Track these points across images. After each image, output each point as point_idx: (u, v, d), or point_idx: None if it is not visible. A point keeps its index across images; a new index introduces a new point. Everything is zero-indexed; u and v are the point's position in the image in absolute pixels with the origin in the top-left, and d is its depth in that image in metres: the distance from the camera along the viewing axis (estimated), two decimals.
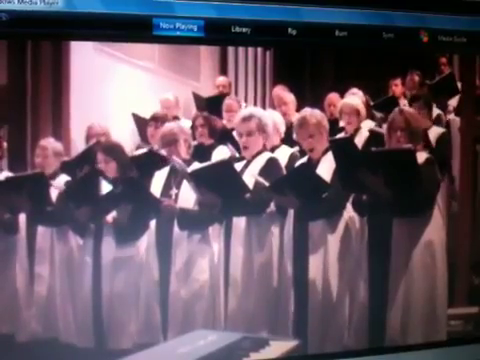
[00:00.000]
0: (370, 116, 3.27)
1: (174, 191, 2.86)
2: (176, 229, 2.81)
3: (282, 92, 3.30)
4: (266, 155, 2.92)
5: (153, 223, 2.81)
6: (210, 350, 2.47)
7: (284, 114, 3.21)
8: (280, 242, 2.86)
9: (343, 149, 2.79)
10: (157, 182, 2.90)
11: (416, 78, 3.50)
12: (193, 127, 3.16)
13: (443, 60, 3.42)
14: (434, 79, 3.47)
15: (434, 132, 3.20)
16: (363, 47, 2.72)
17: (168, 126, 2.95)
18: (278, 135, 3.11)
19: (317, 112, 2.92)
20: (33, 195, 2.65)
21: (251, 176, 2.82)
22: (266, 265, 2.84)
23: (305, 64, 3.26)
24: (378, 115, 3.29)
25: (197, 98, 3.34)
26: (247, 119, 2.89)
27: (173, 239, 2.81)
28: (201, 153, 3.00)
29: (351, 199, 2.81)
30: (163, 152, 2.92)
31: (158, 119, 3.08)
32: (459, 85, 3.30)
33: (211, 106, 3.26)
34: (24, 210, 2.68)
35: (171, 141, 2.89)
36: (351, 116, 3.18)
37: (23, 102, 2.81)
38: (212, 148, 3.13)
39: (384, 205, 2.72)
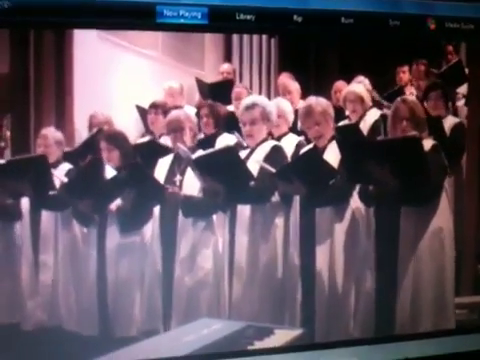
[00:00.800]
0: (376, 104, 3.24)
1: (178, 178, 2.85)
2: (181, 217, 2.80)
3: (287, 80, 3.28)
4: (270, 143, 2.90)
5: (157, 210, 2.81)
6: (214, 338, 2.47)
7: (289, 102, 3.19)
8: (285, 230, 2.85)
9: (348, 137, 2.77)
10: (161, 169, 2.89)
11: (422, 67, 3.47)
12: (198, 116, 3.14)
13: (450, 48, 3.38)
14: (441, 67, 3.44)
15: (449, 121, 3.18)
16: (369, 35, 2.69)
17: (174, 113, 2.94)
18: (286, 124, 3.09)
19: (322, 100, 2.89)
20: (36, 179, 2.65)
21: (256, 163, 2.80)
22: (271, 253, 2.83)
23: (310, 52, 3.24)
24: (385, 103, 3.26)
25: (200, 84, 3.32)
26: (250, 107, 2.87)
27: (178, 227, 2.80)
28: (206, 141, 2.99)
29: (357, 190, 2.80)
30: (166, 140, 2.92)
31: (158, 106, 3.08)
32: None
33: (215, 92, 3.24)
34: (27, 195, 2.68)
35: (177, 128, 2.88)
36: (355, 104, 3.16)
37: (26, 91, 2.81)
38: (216, 136, 3.12)
39: (390, 194, 2.70)
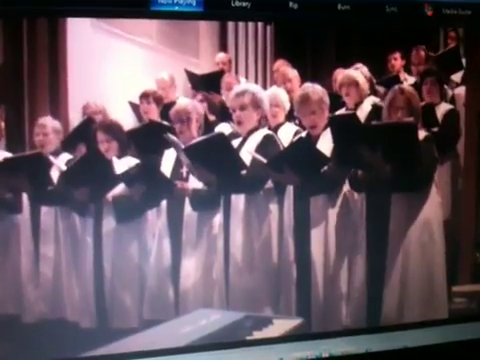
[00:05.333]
0: (373, 92, 3.22)
1: (185, 170, 2.84)
2: (185, 209, 2.80)
3: (286, 68, 3.25)
4: (262, 132, 2.89)
5: (160, 203, 2.80)
6: (213, 329, 2.49)
7: (288, 91, 3.16)
8: (280, 219, 2.85)
9: (344, 125, 2.77)
10: (167, 162, 2.87)
11: (422, 52, 3.45)
12: None
13: (450, 34, 3.35)
14: (438, 52, 3.41)
15: (442, 108, 3.17)
16: (366, 21, 2.67)
17: (182, 103, 2.92)
18: (283, 113, 3.07)
19: (318, 88, 2.89)
20: (34, 175, 2.62)
21: (248, 153, 2.79)
22: (267, 242, 2.83)
23: (307, 39, 3.21)
24: (381, 90, 3.25)
25: (191, 76, 3.29)
26: (241, 94, 2.86)
27: (181, 218, 2.80)
28: (205, 132, 2.96)
29: (349, 178, 2.80)
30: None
31: (149, 95, 3.05)
32: (464, 59, 3.24)
33: (207, 84, 3.21)
34: (26, 191, 2.66)
35: (184, 119, 2.87)
36: (349, 87, 3.14)
37: (20, 81, 2.77)
38: (214, 125, 3.10)
39: (382, 179, 2.71)
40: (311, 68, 3.27)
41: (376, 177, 2.72)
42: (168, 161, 2.87)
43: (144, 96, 3.07)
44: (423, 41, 3.38)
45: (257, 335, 2.52)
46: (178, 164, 2.85)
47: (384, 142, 2.65)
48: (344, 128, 2.75)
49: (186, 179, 2.82)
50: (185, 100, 2.98)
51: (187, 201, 2.80)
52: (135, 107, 3.12)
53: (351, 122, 2.79)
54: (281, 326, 2.58)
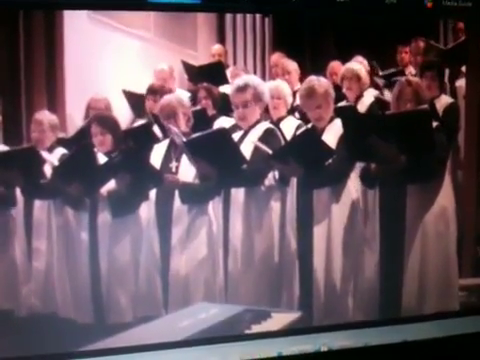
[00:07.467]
0: (374, 84, 3.21)
1: (174, 164, 2.83)
2: (176, 202, 2.78)
3: (285, 60, 3.23)
4: (263, 125, 2.88)
5: (153, 196, 2.78)
6: (212, 323, 2.49)
7: (288, 82, 3.14)
8: (282, 212, 2.84)
9: (350, 116, 2.76)
10: (157, 155, 2.85)
11: (421, 44, 3.43)
12: (194, 100, 3.09)
13: (459, 27, 3.33)
14: (444, 45, 3.39)
15: (443, 101, 3.15)
16: (365, 13, 2.66)
17: (166, 99, 2.90)
18: (285, 106, 3.05)
19: (323, 80, 2.87)
20: (27, 169, 2.61)
21: (251, 143, 2.78)
22: (268, 235, 2.82)
23: (306, 31, 3.19)
24: (381, 83, 3.23)
25: (188, 67, 3.26)
26: (242, 89, 2.84)
27: (172, 211, 2.78)
28: (204, 125, 2.94)
29: (359, 173, 2.78)
30: (158, 126, 2.89)
31: (156, 92, 3.02)
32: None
33: (204, 75, 3.18)
34: (19, 185, 2.64)
35: (170, 114, 2.85)
36: (351, 81, 3.12)
37: (16, 74, 2.75)
38: (214, 119, 3.08)
39: (396, 171, 2.69)
40: (310, 61, 3.25)
41: (390, 168, 2.70)
42: (157, 156, 2.84)
43: (152, 92, 3.02)
44: (424, 33, 3.36)
45: (256, 329, 2.52)
46: (168, 159, 2.83)
47: (398, 132, 2.63)
48: (355, 120, 2.74)
49: (176, 173, 2.81)
50: (169, 96, 2.94)
51: (185, 194, 2.78)
52: (129, 96, 3.08)
53: (351, 114, 2.78)
54: (280, 320, 2.58)
